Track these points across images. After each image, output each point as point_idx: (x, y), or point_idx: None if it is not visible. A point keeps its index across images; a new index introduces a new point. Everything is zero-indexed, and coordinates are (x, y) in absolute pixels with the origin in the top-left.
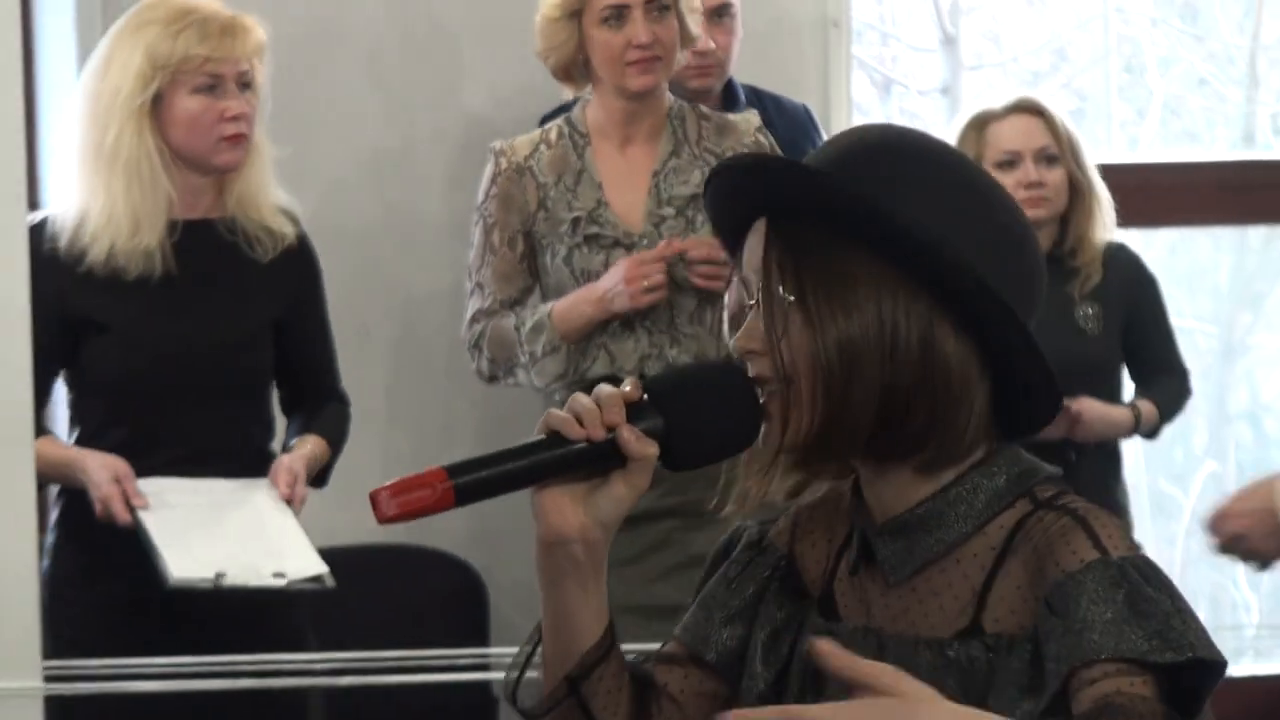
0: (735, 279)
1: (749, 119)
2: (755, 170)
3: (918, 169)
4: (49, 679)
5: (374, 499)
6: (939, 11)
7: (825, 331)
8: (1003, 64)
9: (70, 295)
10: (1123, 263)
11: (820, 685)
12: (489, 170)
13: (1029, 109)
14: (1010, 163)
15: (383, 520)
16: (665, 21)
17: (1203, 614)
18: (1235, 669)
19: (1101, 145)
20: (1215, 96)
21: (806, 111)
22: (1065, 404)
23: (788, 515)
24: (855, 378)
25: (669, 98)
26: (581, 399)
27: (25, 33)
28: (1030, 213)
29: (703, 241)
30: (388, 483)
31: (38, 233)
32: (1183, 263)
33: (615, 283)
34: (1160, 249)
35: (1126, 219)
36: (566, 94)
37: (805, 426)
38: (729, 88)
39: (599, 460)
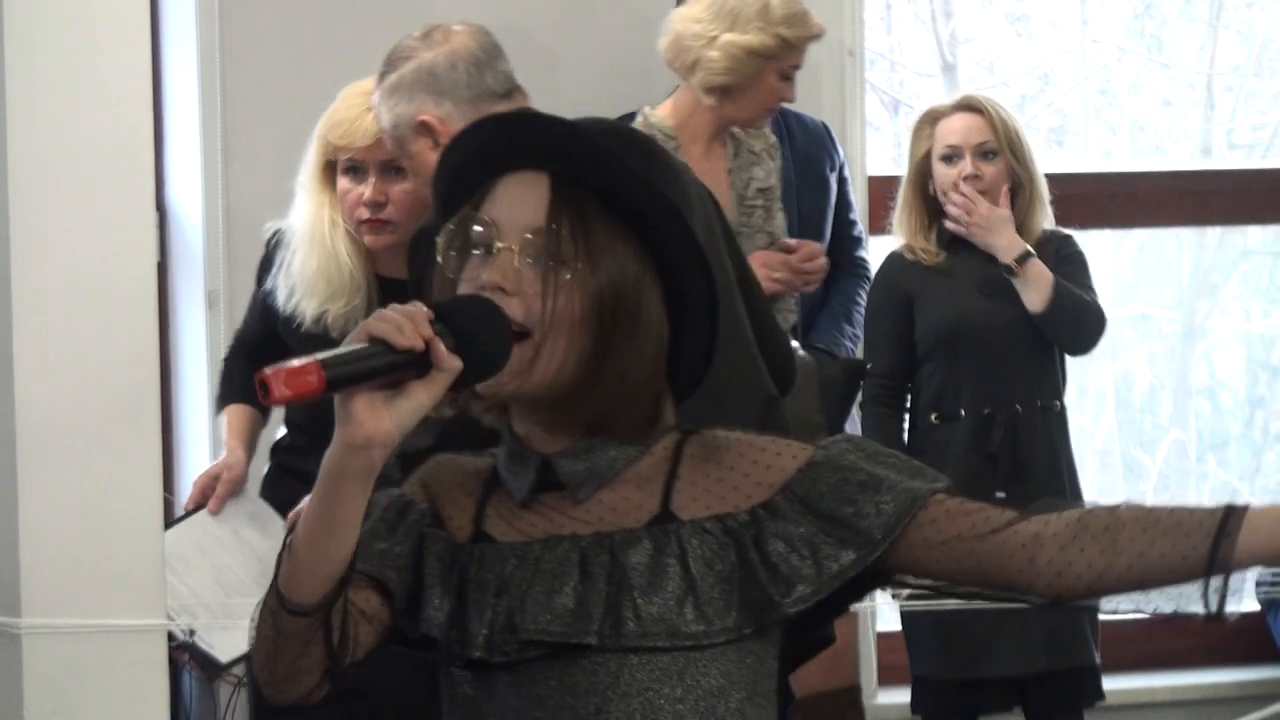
0: (469, 217)
1: (765, 131)
2: (551, 128)
3: (667, 164)
4: (171, 617)
5: (263, 380)
6: (940, 42)
7: (589, 289)
8: (995, 87)
9: (284, 336)
10: (1056, 242)
11: (520, 595)
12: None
13: (971, 107)
14: (950, 157)
15: (272, 401)
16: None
17: None
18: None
19: (1080, 156)
20: (1178, 115)
21: (826, 129)
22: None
23: (413, 481)
24: (606, 340)
25: None
26: (391, 314)
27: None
28: (954, 206)
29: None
30: (275, 368)
31: (273, 239)
32: (1150, 258)
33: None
34: (1131, 247)
35: (1101, 221)
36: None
37: (548, 378)
38: None
39: (413, 367)
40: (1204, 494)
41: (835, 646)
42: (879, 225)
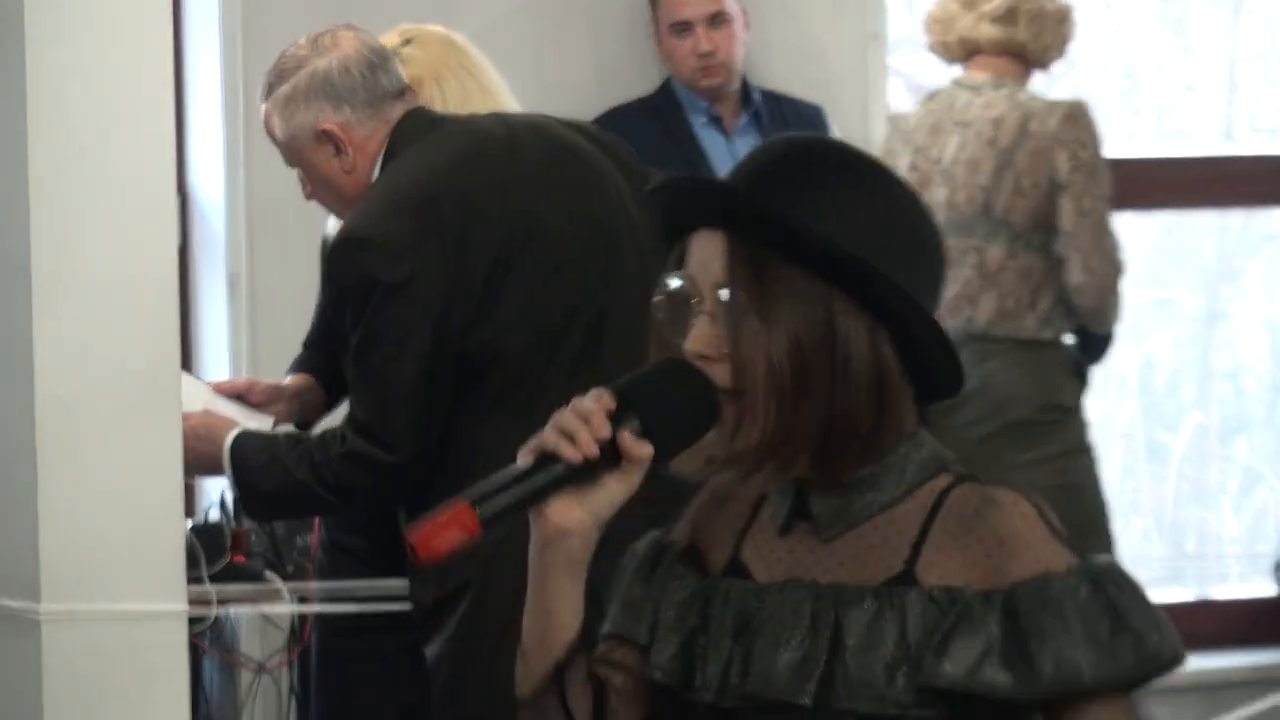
0: (672, 281)
1: None
2: (699, 191)
3: (835, 188)
4: (193, 601)
5: (412, 544)
6: None
7: (778, 344)
8: None
9: None
10: None
11: (749, 644)
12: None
13: None
14: None
15: (424, 562)
16: None
17: (1190, 544)
18: (1220, 592)
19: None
20: (1201, 99)
21: (818, 112)
22: None
23: (684, 519)
24: (807, 392)
25: None
26: (566, 418)
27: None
28: None
29: None
30: (420, 524)
31: None
32: (1173, 242)
33: None
34: (1154, 230)
35: (1124, 205)
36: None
37: (758, 436)
38: (744, 89)
39: (594, 469)
40: (1227, 478)
41: None
42: None
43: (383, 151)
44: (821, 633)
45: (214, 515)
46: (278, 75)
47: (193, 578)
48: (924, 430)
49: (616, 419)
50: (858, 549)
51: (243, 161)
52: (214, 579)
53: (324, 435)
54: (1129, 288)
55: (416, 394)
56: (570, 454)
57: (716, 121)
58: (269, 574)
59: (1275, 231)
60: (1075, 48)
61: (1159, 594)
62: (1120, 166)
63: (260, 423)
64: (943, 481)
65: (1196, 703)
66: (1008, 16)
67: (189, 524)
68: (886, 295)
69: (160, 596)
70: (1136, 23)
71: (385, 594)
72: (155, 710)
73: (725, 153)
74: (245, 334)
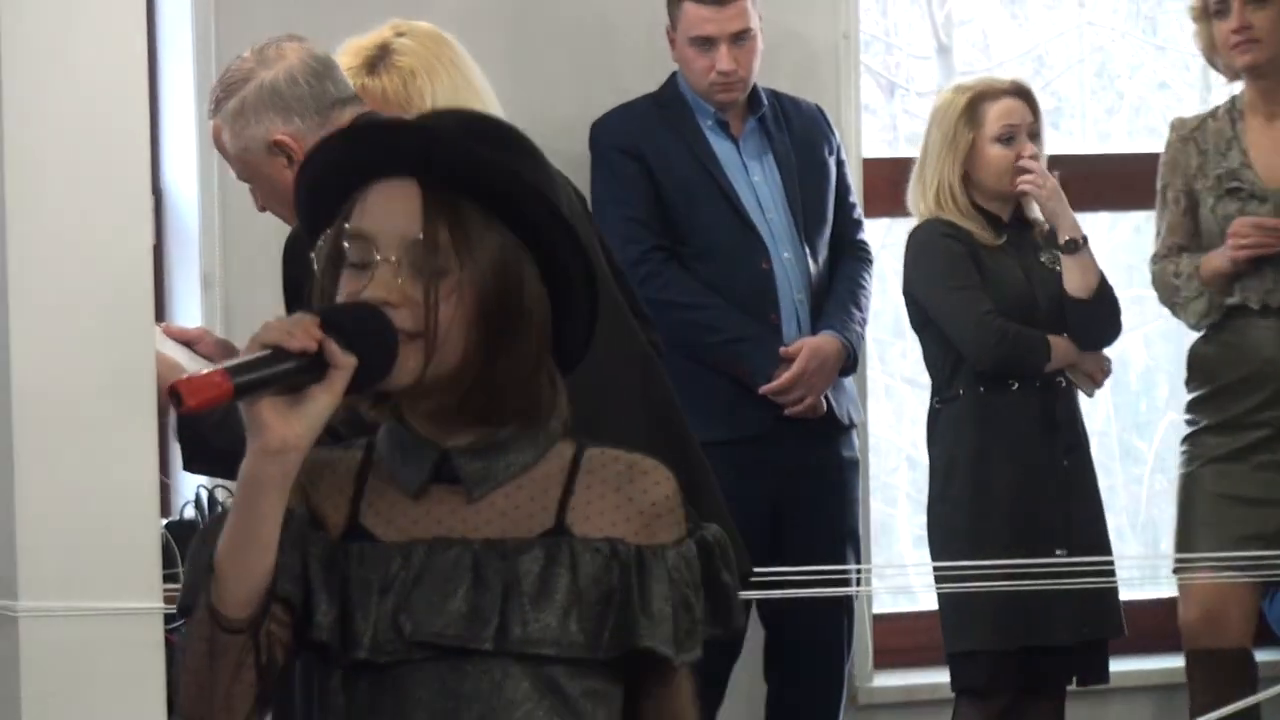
0: (342, 231)
1: None
2: (414, 134)
3: (525, 148)
4: (169, 599)
5: (175, 389)
6: (935, 24)
7: (475, 288)
8: (990, 69)
9: None
10: None
11: (404, 597)
12: (1166, 139)
13: (1021, 90)
14: (1010, 138)
15: (186, 410)
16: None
17: (1164, 544)
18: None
19: (1077, 138)
20: (1174, 97)
21: (821, 112)
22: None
23: (292, 489)
24: (495, 335)
25: None
26: (279, 322)
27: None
28: (1027, 182)
29: None
30: (188, 378)
31: None
32: (1146, 241)
33: None
34: (1126, 229)
35: (1098, 203)
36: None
37: (443, 376)
38: (753, 93)
39: (309, 371)
40: None
41: (1221, 608)
42: (878, 207)
43: None
44: (491, 583)
45: (189, 513)
46: (225, 90)
47: (169, 575)
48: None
49: (329, 335)
50: (505, 507)
51: (216, 161)
52: None
53: None
54: None
55: None
56: (290, 343)
57: (723, 126)
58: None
59: None
60: (1048, 46)
61: (1134, 592)
62: (1093, 164)
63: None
64: (571, 446)
65: (1172, 700)
66: None
67: (164, 522)
68: (566, 245)
69: (136, 594)
70: (1108, 20)
71: None
72: (131, 707)
73: (734, 157)
74: (219, 332)
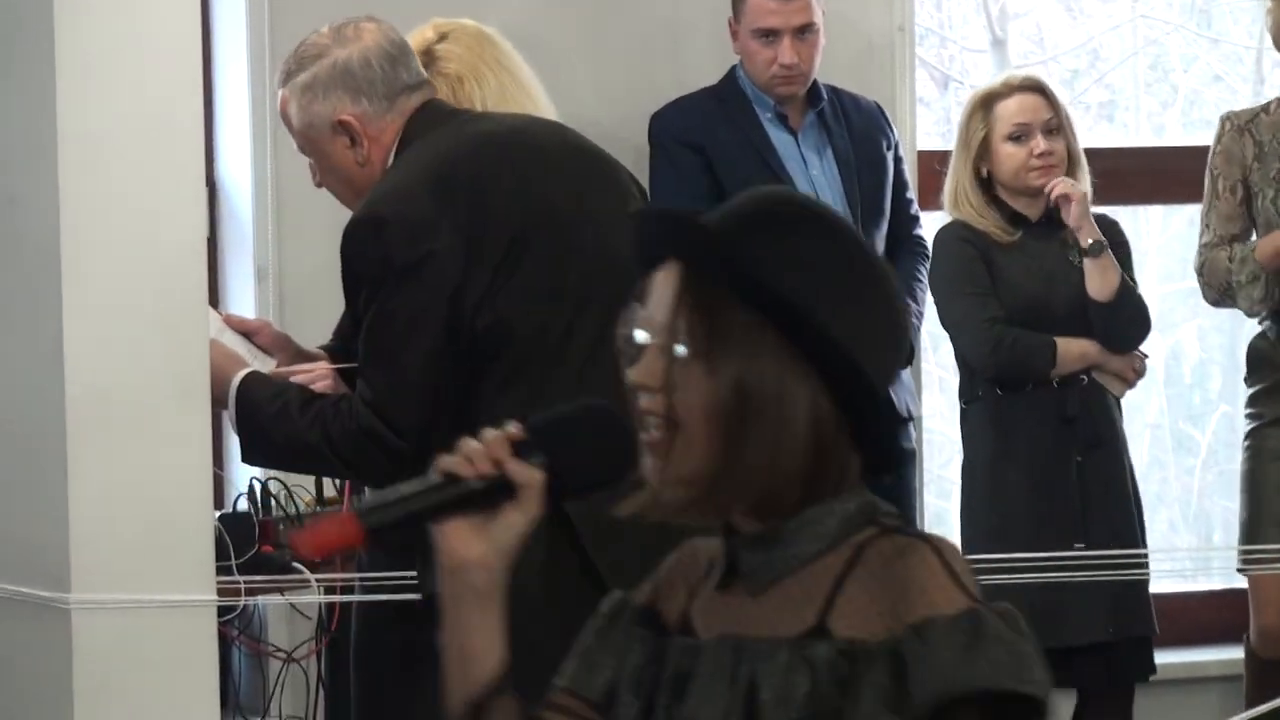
0: (637, 312)
1: None
2: (669, 223)
3: (812, 248)
4: (222, 593)
5: (293, 543)
6: (990, 17)
7: (721, 386)
8: (1044, 62)
9: None
10: (1104, 227)
11: (682, 700)
12: (1216, 132)
13: (1033, 86)
14: (1020, 136)
15: (305, 557)
16: None
17: (1216, 536)
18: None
19: (1131, 132)
20: (1227, 90)
21: (879, 109)
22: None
23: (652, 579)
24: (742, 438)
25: None
26: (469, 442)
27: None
28: (1040, 180)
29: None
30: (305, 530)
31: None
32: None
33: None
34: (1181, 222)
35: (1152, 197)
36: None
37: (690, 471)
38: (813, 88)
39: (491, 495)
40: None
41: None
42: (933, 201)
43: (396, 142)
44: (739, 687)
45: (243, 505)
46: (297, 62)
47: (221, 568)
48: (858, 485)
49: (525, 451)
50: (780, 602)
51: (270, 152)
52: (242, 569)
53: (339, 404)
54: (1155, 280)
55: (427, 379)
56: (465, 471)
57: (782, 119)
58: (297, 564)
59: None
60: (1102, 39)
61: (1186, 584)
62: (1148, 158)
63: (263, 365)
64: (866, 534)
65: (1225, 693)
66: None
67: (217, 514)
68: (835, 357)
69: (189, 587)
70: (1162, 13)
71: (415, 585)
72: (184, 699)
73: (793, 150)
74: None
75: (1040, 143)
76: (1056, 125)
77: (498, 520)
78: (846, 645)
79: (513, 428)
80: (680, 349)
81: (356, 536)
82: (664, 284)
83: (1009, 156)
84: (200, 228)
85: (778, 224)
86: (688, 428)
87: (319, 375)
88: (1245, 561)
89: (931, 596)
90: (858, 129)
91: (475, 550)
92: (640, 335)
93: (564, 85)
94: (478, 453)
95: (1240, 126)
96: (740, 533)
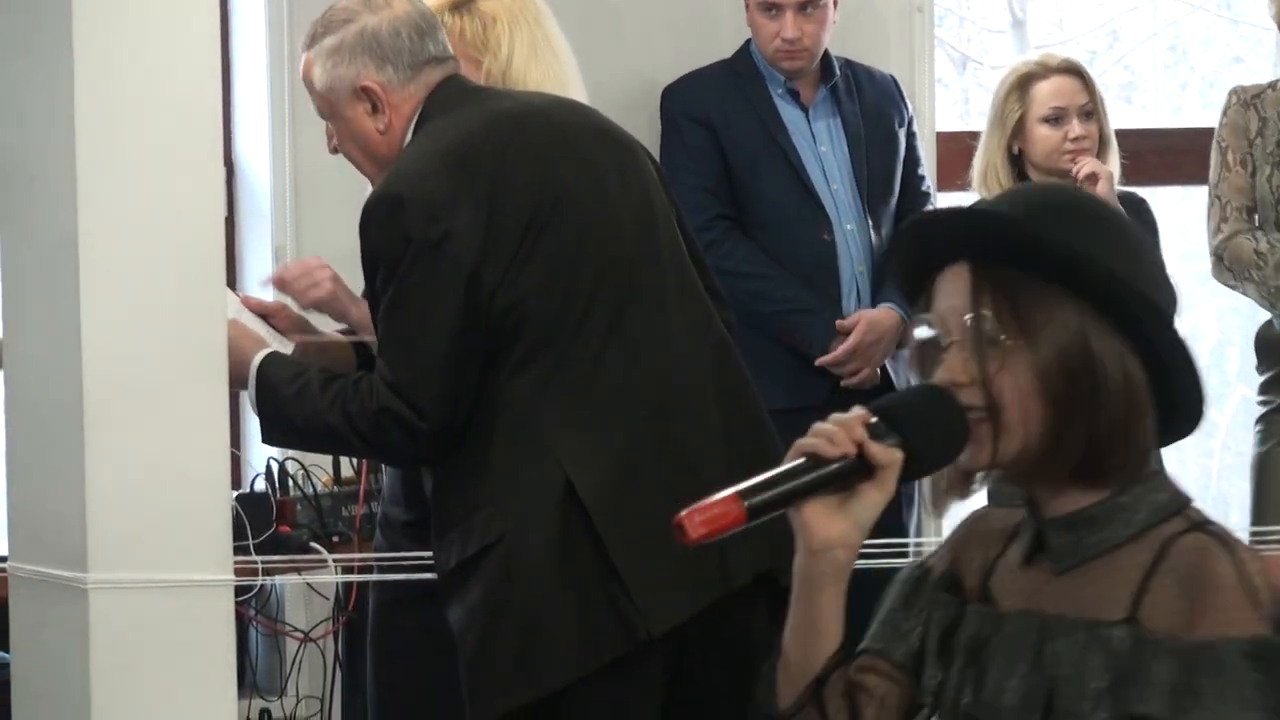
0: (919, 320)
1: None
2: (960, 219)
3: (1094, 219)
4: (239, 572)
5: (679, 524)
6: None
7: (1045, 360)
8: (1064, 43)
9: None
10: (1133, 206)
11: (982, 668)
12: (1223, 104)
13: (1072, 69)
14: (1057, 118)
15: (691, 541)
16: None
17: (1234, 518)
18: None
19: (1150, 113)
20: (1247, 71)
21: (894, 82)
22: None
23: (945, 546)
24: (1067, 409)
25: None
26: (824, 425)
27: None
28: (1072, 163)
29: None
30: (690, 509)
31: None
32: None
33: None
34: (1199, 203)
35: (1171, 178)
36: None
37: (1016, 450)
38: (825, 60)
39: (852, 474)
40: None
41: None
42: (951, 181)
43: (417, 115)
44: (1042, 662)
45: (260, 486)
46: (325, 26)
47: (239, 548)
48: (1165, 472)
49: (875, 431)
50: (1084, 584)
51: (288, 133)
52: (260, 549)
53: (359, 384)
54: (1172, 261)
55: (448, 358)
56: (828, 450)
57: (794, 95)
58: (314, 544)
59: None
60: (1121, 20)
61: None
62: (1167, 138)
63: (281, 346)
64: (1175, 526)
65: None
66: None
67: (235, 494)
68: (1143, 318)
69: (206, 566)
70: None
71: (431, 565)
72: (201, 679)
73: (803, 126)
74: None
75: (1075, 127)
76: (1091, 109)
77: (858, 499)
78: (1147, 637)
79: (863, 410)
80: (996, 337)
81: (741, 518)
82: (954, 282)
83: (1044, 139)
84: (218, 208)
85: (1053, 204)
86: (1011, 410)
87: (274, 308)
88: (1254, 543)
89: (1227, 615)
90: (870, 103)
91: (837, 529)
92: (941, 337)
93: (579, 55)
94: (838, 435)
95: (1246, 101)
96: (1046, 512)
